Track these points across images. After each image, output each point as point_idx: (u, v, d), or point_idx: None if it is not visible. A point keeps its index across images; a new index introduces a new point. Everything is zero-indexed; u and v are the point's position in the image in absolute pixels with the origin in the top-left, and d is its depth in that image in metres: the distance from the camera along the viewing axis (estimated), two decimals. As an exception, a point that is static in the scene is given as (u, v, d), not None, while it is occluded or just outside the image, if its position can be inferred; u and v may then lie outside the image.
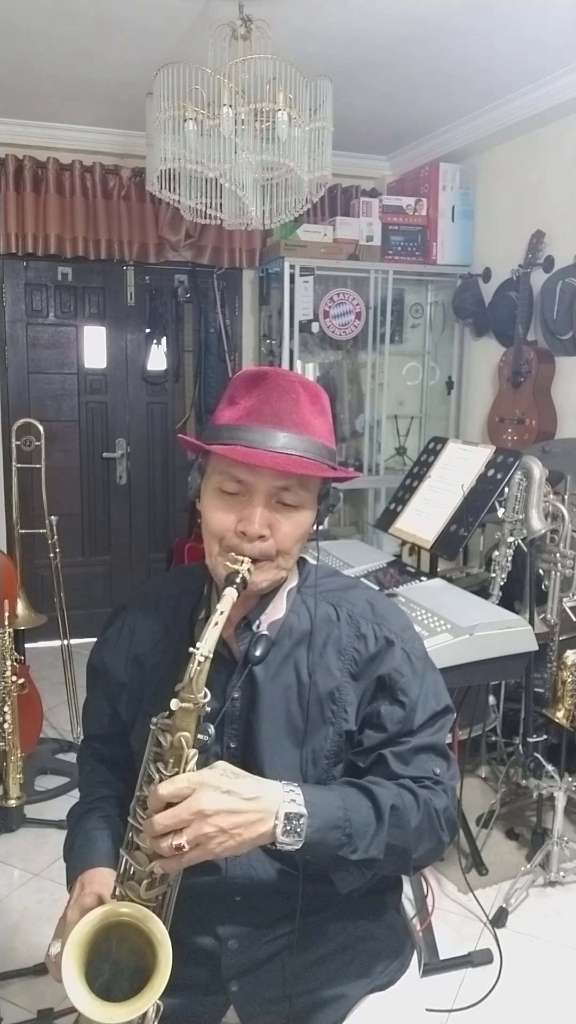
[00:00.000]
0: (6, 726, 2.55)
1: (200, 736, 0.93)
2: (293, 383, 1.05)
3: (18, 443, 3.22)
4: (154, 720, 0.93)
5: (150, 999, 0.85)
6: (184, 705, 0.90)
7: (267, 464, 0.99)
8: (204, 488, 1.08)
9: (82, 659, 1.31)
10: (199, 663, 0.90)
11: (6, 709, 2.55)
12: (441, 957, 2.06)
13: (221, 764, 0.95)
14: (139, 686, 1.14)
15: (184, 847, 0.87)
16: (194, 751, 0.92)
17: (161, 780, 0.91)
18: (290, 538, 1.05)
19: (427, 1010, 1.83)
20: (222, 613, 0.94)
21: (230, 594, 0.97)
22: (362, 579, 2.39)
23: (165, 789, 0.89)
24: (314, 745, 1.08)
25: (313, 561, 1.19)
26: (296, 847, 0.93)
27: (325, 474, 1.05)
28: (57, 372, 4.26)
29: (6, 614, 2.56)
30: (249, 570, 1.00)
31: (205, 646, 0.91)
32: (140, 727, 1.12)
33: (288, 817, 0.93)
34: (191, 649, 0.91)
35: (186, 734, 0.91)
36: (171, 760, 0.92)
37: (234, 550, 1.02)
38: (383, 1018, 1.12)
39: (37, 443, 3.23)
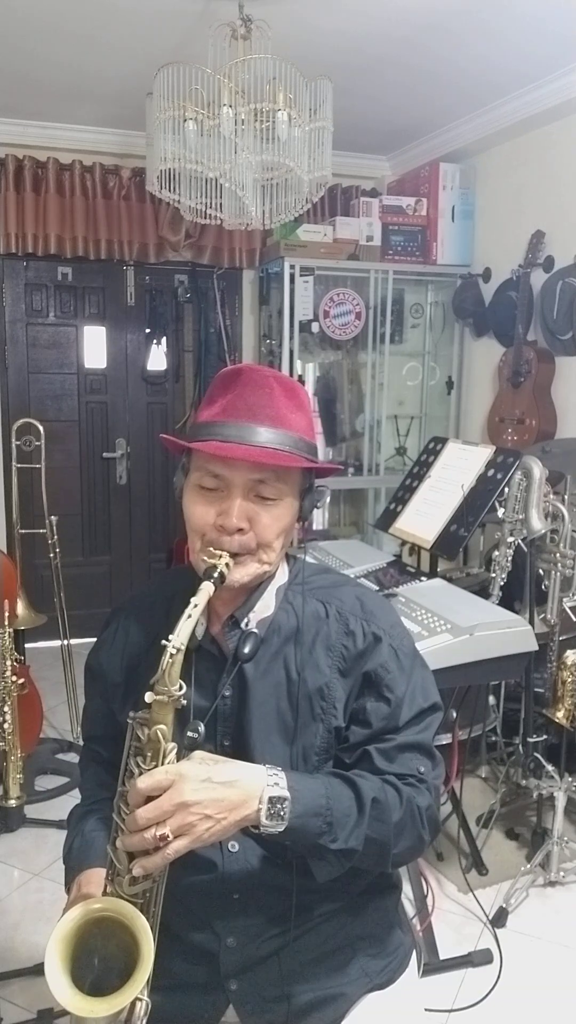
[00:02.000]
0: (6, 726, 2.55)
1: (190, 734, 0.94)
2: (267, 378, 1.07)
3: (18, 443, 3.22)
4: (132, 714, 0.94)
5: (131, 993, 0.85)
6: (159, 698, 0.91)
7: (240, 456, 1.01)
8: (186, 487, 1.09)
9: (82, 659, 1.31)
10: (171, 655, 0.91)
11: (6, 709, 2.55)
12: (441, 957, 2.06)
13: (198, 753, 0.96)
14: (133, 687, 1.14)
15: (168, 836, 0.88)
16: (172, 744, 0.92)
17: (141, 774, 0.91)
18: (270, 531, 1.05)
19: (427, 1010, 1.84)
20: (196, 606, 0.94)
21: (206, 588, 0.97)
22: (362, 579, 2.39)
23: (144, 782, 0.90)
24: (304, 741, 1.08)
25: (303, 558, 1.19)
26: (278, 831, 0.94)
27: (300, 464, 1.06)
28: (57, 372, 4.26)
29: (6, 614, 2.56)
30: (228, 564, 1.01)
31: (177, 638, 0.91)
32: None
33: (272, 800, 0.93)
34: (163, 641, 0.92)
35: (163, 727, 0.92)
36: (149, 754, 0.92)
37: (214, 545, 1.03)
38: (383, 1018, 1.12)
39: (37, 443, 3.23)
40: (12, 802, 2.59)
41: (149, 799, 0.90)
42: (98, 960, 0.91)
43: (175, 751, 0.93)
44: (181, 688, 0.91)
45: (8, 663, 2.55)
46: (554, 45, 2.89)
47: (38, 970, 1.98)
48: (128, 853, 0.92)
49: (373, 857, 1.03)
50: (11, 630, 2.59)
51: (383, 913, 1.18)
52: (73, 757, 3.06)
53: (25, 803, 2.65)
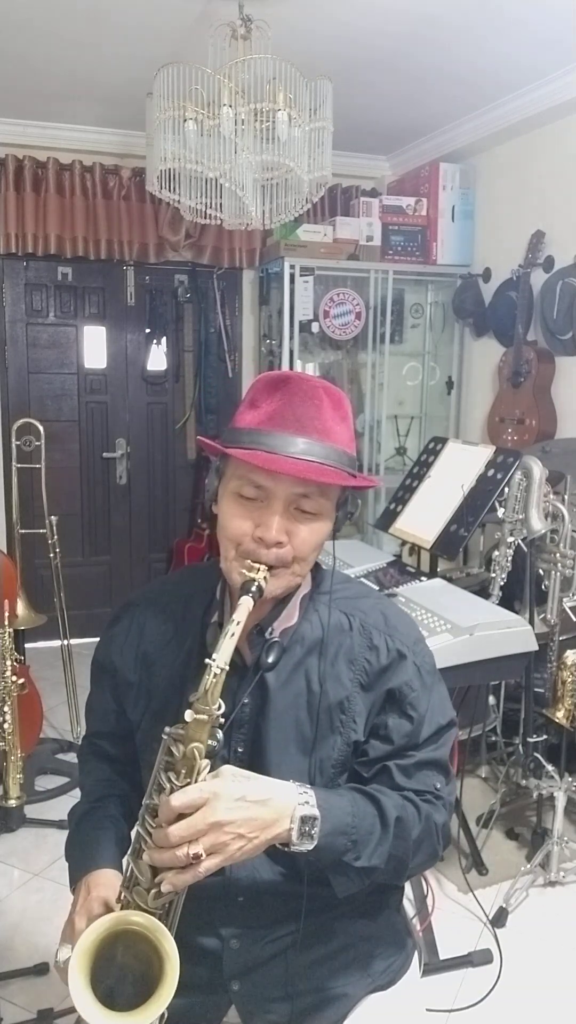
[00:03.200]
0: (6, 726, 2.55)
1: (210, 742, 0.92)
2: (316, 388, 1.04)
3: (18, 443, 3.22)
4: (167, 730, 0.92)
5: (156, 1010, 0.85)
6: (199, 717, 0.89)
7: (287, 471, 0.97)
8: (222, 492, 1.06)
9: (82, 659, 1.31)
10: (215, 675, 0.89)
11: (6, 709, 2.55)
12: (441, 957, 2.06)
13: (228, 769, 0.94)
14: (147, 685, 1.14)
15: (202, 855, 0.87)
16: (206, 762, 0.91)
17: (172, 790, 0.89)
18: (308, 545, 1.03)
19: (427, 1010, 1.83)
20: (238, 623, 0.92)
21: (246, 603, 0.95)
22: (362, 579, 2.39)
23: (178, 800, 0.88)
24: (322, 754, 1.07)
25: (326, 567, 1.18)
26: (307, 848, 0.94)
27: (346, 482, 1.03)
28: (57, 372, 4.26)
29: (6, 614, 2.56)
30: (265, 578, 0.99)
31: (221, 657, 0.90)
32: (146, 726, 1.12)
33: (304, 819, 0.93)
34: (207, 660, 0.90)
35: (199, 745, 0.90)
36: (183, 770, 0.90)
37: (250, 556, 1.01)
38: (383, 1018, 1.12)
39: (37, 443, 3.23)
40: (12, 802, 2.59)
41: (180, 816, 0.88)
42: (116, 970, 0.90)
43: (208, 768, 0.92)
44: (220, 707, 0.90)
45: (8, 663, 2.55)
46: (554, 45, 2.89)
47: (38, 970, 1.99)
48: (152, 866, 0.91)
49: (391, 873, 1.04)
50: (11, 630, 2.58)
51: (387, 914, 1.18)
52: (73, 757, 3.05)
53: (25, 803, 2.65)
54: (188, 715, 0.89)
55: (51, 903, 2.27)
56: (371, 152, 4.31)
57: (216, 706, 0.89)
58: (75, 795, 1.27)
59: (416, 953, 1.23)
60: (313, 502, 1.02)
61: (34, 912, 2.26)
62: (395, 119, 3.76)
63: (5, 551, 3.17)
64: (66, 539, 3.41)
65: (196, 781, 0.90)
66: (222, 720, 0.91)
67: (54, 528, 3.16)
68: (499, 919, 2.21)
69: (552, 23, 2.71)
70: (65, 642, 3.23)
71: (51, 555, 3.18)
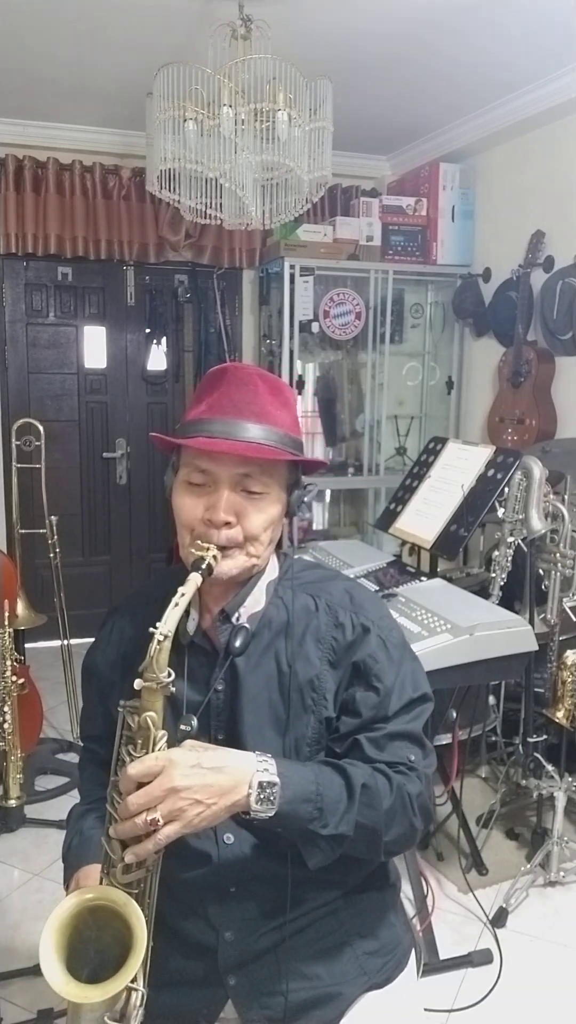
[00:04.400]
0: (6, 726, 2.55)
1: (183, 727, 0.96)
2: (251, 375, 1.10)
3: (18, 443, 3.22)
4: (122, 703, 0.96)
5: (125, 978, 0.86)
6: (147, 684, 0.93)
7: (225, 449, 1.02)
8: (175, 483, 1.11)
9: (82, 659, 1.32)
10: (158, 642, 0.93)
11: (6, 709, 2.55)
12: (441, 957, 2.06)
13: (188, 741, 0.97)
14: (128, 684, 1.15)
15: (159, 820, 0.89)
16: (163, 732, 0.94)
17: (132, 762, 0.92)
18: (256, 524, 1.06)
19: (427, 1010, 1.84)
20: (183, 595, 0.96)
21: (194, 578, 0.99)
22: (362, 579, 2.39)
23: (134, 769, 0.91)
24: (296, 733, 1.09)
25: (296, 556, 1.21)
26: (268, 815, 0.95)
27: (284, 457, 1.07)
28: (57, 372, 4.26)
29: (6, 614, 2.56)
30: (215, 556, 1.03)
31: (164, 625, 0.93)
32: None
33: (262, 785, 0.95)
34: (151, 629, 0.93)
35: (152, 714, 0.93)
36: (140, 741, 0.94)
37: (203, 538, 1.05)
38: (382, 1017, 1.13)
39: (37, 443, 3.23)
40: (12, 802, 2.59)
41: (141, 786, 0.91)
42: (94, 952, 0.92)
43: (165, 738, 0.94)
44: (170, 675, 0.93)
45: (8, 663, 2.55)
46: (554, 45, 2.89)
47: (38, 970, 1.97)
48: (121, 842, 0.93)
49: (364, 844, 1.04)
50: (11, 630, 2.59)
51: (381, 909, 1.18)
52: (73, 757, 3.05)
53: (25, 803, 2.65)
54: (137, 684, 0.93)
55: (51, 903, 2.27)
56: (371, 152, 4.31)
57: (164, 673, 0.93)
58: (75, 795, 1.28)
59: (416, 953, 1.24)
60: (257, 481, 1.06)
61: (34, 912, 2.26)
62: (395, 119, 3.76)
63: (5, 551, 3.17)
64: (66, 539, 3.41)
65: (153, 751, 0.93)
66: (172, 689, 0.94)
67: (54, 528, 3.16)
68: (499, 919, 2.21)
69: (552, 24, 2.71)
70: (65, 642, 3.23)
71: (51, 555, 3.18)
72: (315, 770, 1.02)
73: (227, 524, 1.05)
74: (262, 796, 0.94)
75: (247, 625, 1.11)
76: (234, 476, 1.05)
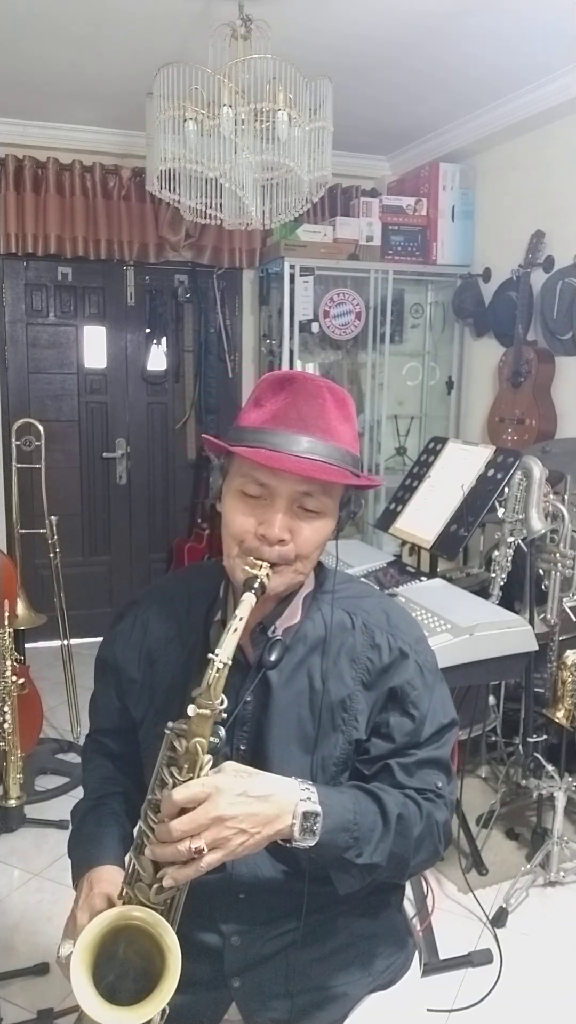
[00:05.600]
0: (6, 726, 2.55)
1: (212, 739, 0.93)
2: (320, 388, 1.04)
3: (18, 443, 3.22)
4: (170, 725, 0.93)
5: (158, 1005, 0.85)
6: (201, 712, 0.90)
7: (291, 468, 0.98)
8: (226, 490, 1.07)
9: (82, 659, 1.31)
10: (218, 670, 0.89)
11: (6, 709, 2.55)
12: (441, 957, 2.06)
13: (231, 765, 0.95)
14: (150, 683, 1.14)
15: (204, 849, 0.87)
16: (209, 757, 0.91)
17: (175, 785, 0.90)
18: (310, 544, 1.04)
19: (427, 1010, 1.83)
20: (241, 619, 0.93)
21: (248, 600, 0.96)
22: (362, 579, 2.39)
23: (180, 794, 0.88)
24: (324, 752, 1.08)
25: (330, 566, 1.18)
26: (309, 845, 0.94)
27: (349, 481, 1.04)
28: (57, 372, 4.26)
29: (6, 614, 2.56)
30: (268, 575, 1.00)
31: (224, 652, 0.90)
32: (149, 724, 1.12)
33: (306, 815, 0.93)
34: (210, 655, 0.90)
35: (202, 740, 0.90)
36: (185, 765, 0.91)
37: (253, 553, 1.01)
38: (384, 1017, 1.12)
39: (37, 443, 3.23)
40: (12, 802, 2.59)
41: (183, 811, 0.89)
42: (117, 965, 0.91)
43: (211, 763, 0.92)
44: (223, 703, 0.90)
45: (8, 663, 2.55)
46: (554, 45, 2.88)
47: (38, 970, 1.99)
48: (154, 861, 0.91)
49: (392, 870, 1.04)
50: (11, 630, 2.59)
51: (388, 914, 1.18)
52: (73, 757, 3.06)
53: (25, 803, 2.64)
54: (191, 710, 0.90)
55: (51, 903, 2.28)
56: (371, 152, 4.31)
57: (219, 701, 0.90)
58: (75, 795, 1.27)
59: (416, 953, 1.23)
60: (316, 500, 1.03)
61: (34, 912, 2.25)
62: (395, 119, 3.76)
63: (5, 551, 3.17)
64: (66, 539, 3.41)
65: (198, 776, 0.90)
66: (224, 716, 0.91)
67: (54, 528, 3.16)
68: (499, 919, 2.21)
69: (552, 23, 2.71)
70: (65, 642, 3.23)
71: (51, 555, 3.18)
72: (353, 797, 1.00)
73: (281, 542, 1.01)
74: (305, 827, 0.93)
75: (282, 639, 1.09)
76: (294, 493, 1.01)
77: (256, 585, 0.98)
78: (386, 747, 1.08)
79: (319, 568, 1.17)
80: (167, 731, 0.93)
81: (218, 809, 0.88)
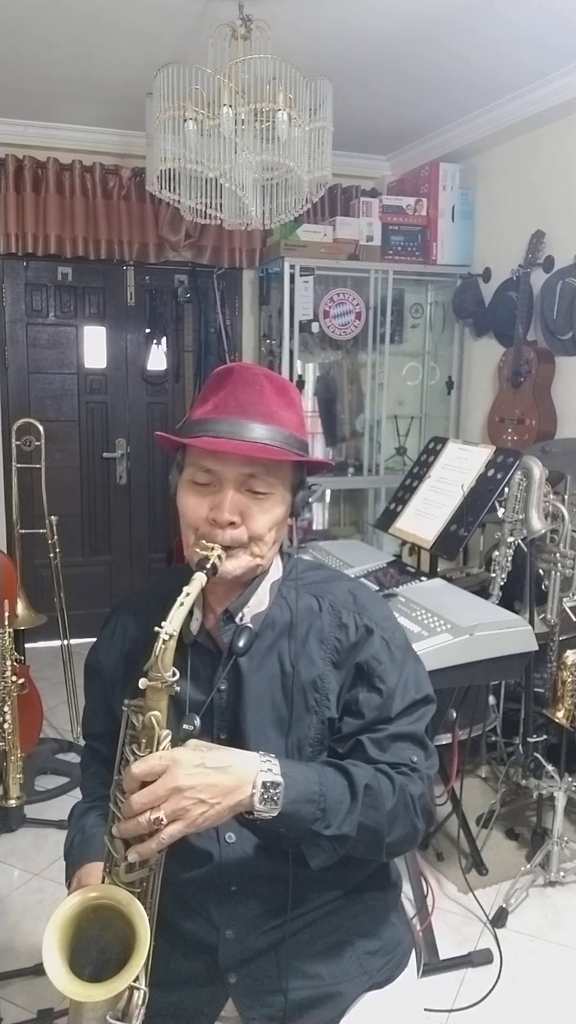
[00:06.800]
0: (6, 726, 2.55)
1: (186, 727, 0.96)
2: (257, 376, 1.10)
3: (18, 443, 3.22)
4: (126, 702, 0.96)
5: (127, 978, 0.86)
6: (152, 684, 0.93)
7: (230, 450, 1.03)
8: (180, 483, 1.11)
9: (82, 659, 1.32)
10: (164, 641, 0.93)
11: (6, 709, 2.55)
12: (441, 957, 2.06)
13: (192, 741, 0.97)
14: (132, 685, 1.15)
15: (163, 819, 0.89)
16: (167, 731, 0.94)
17: (136, 761, 0.93)
18: (261, 524, 1.07)
19: (427, 1010, 1.84)
20: (187, 594, 0.97)
21: (199, 578, 0.99)
22: (362, 579, 2.39)
23: (138, 768, 0.91)
24: (299, 733, 1.09)
25: (297, 556, 1.21)
26: (271, 815, 0.95)
27: (289, 458, 1.08)
28: (57, 372, 4.26)
29: (6, 614, 2.56)
30: (220, 556, 1.03)
31: (170, 625, 0.93)
32: None
33: (265, 785, 0.95)
34: (156, 628, 0.93)
35: (157, 713, 0.93)
36: (144, 740, 0.94)
37: (207, 538, 1.05)
38: (382, 1017, 1.13)
39: (37, 443, 3.23)
40: (12, 802, 2.59)
41: (144, 785, 0.91)
42: (96, 951, 0.92)
43: (169, 738, 0.94)
44: (174, 674, 0.93)
45: (8, 663, 2.55)
46: (554, 45, 2.88)
47: (38, 970, 1.98)
48: (124, 841, 0.93)
49: (367, 844, 1.04)
50: (11, 630, 2.59)
51: (382, 909, 1.18)
52: (73, 757, 3.06)
53: (25, 803, 2.65)
54: (142, 683, 0.94)
55: (51, 903, 2.27)
56: (371, 152, 4.31)
57: (169, 672, 0.93)
58: (75, 795, 1.28)
59: (416, 953, 1.23)
60: (262, 481, 1.06)
61: (34, 912, 2.26)
62: (395, 119, 3.76)
63: (5, 551, 3.17)
64: (66, 539, 3.41)
65: (157, 750, 0.93)
66: (177, 688, 0.94)
67: (54, 528, 3.16)
68: (499, 919, 2.21)
69: (552, 23, 2.71)
70: (65, 642, 3.23)
71: (51, 555, 3.18)
72: (318, 770, 1.02)
73: (232, 524, 1.05)
74: (266, 796, 0.95)
75: (250, 625, 1.11)
76: (239, 476, 1.05)
77: (208, 566, 1.01)
78: (357, 723, 1.10)
79: (286, 558, 1.20)
80: (124, 708, 0.96)
81: (176, 780, 0.91)
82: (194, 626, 1.11)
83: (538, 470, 2.31)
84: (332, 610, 1.13)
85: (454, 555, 2.59)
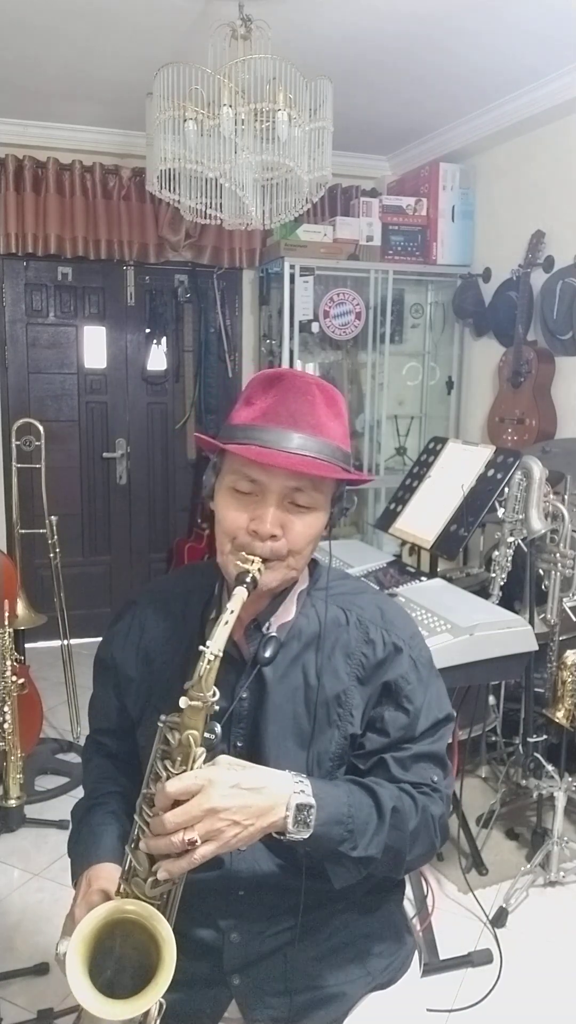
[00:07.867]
0: (6, 726, 2.55)
1: (207, 735, 0.93)
2: (310, 385, 1.06)
3: (18, 443, 3.23)
4: (163, 718, 0.94)
5: (153, 996, 0.85)
6: (193, 703, 0.90)
7: (280, 464, 0.99)
8: (218, 487, 1.08)
9: (82, 659, 1.32)
10: (208, 661, 0.90)
11: (6, 709, 2.55)
12: (441, 957, 2.06)
13: (224, 758, 0.95)
14: (148, 682, 1.15)
15: (197, 841, 0.88)
16: (202, 750, 0.92)
17: (168, 778, 0.91)
18: (302, 539, 1.05)
19: (427, 1010, 1.83)
20: (232, 612, 0.94)
21: (240, 594, 0.97)
22: (362, 579, 2.39)
23: (173, 787, 0.89)
24: (319, 747, 1.08)
25: (324, 563, 1.19)
26: (303, 838, 0.94)
27: (338, 475, 1.05)
28: (57, 372, 4.26)
29: (6, 614, 2.56)
30: (260, 570, 1.00)
31: (215, 645, 0.91)
32: (147, 723, 1.12)
33: (299, 807, 0.94)
34: (201, 648, 0.91)
35: (194, 732, 0.91)
36: (179, 758, 0.92)
37: (245, 549, 1.02)
38: (384, 1017, 1.13)
39: (37, 443, 3.23)
40: (12, 802, 2.59)
41: (177, 803, 0.89)
42: (113, 960, 0.91)
43: (204, 756, 0.93)
44: (215, 694, 0.91)
45: (8, 663, 2.55)
46: (554, 45, 2.88)
47: (38, 970, 1.99)
48: (149, 855, 0.91)
49: (388, 864, 1.04)
50: (11, 630, 2.59)
51: (387, 912, 1.18)
52: (73, 757, 3.06)
53: (25, 803, 2.64)
54: (183, 702, 0.91)
55: (51, 903, 2.27)
56: (371, 152, 4.30)
57: (211, 693, 0.90)
58: (75, 795, 1.28)
59: (416, 953, 1.24)
60: (307, 496, 1.04)
61: (34, 912, 2.25)
62: (395, 119, 3.76)
63: (5, 551, 3.17)
64: (66, 539, 3.41)
65: (192, 769, 0.91)
66: (217, 708, 0.92)
67: (54, 528, 3.16)
68: (499, 919, 2.21)
69: (552, 23, 2.71)
70: (65, 642, 3.23)
71: (51, 555, 3.18)
72: (347, 791, 1.01)
73: (273, 537, 1.02)
74: (299, 818, 0.94)
75: (277, 635, 1.09)
76: (284, 489, 1.02)
77: (248, 580, 0.99)
78: (381, 741, 1.09)
79: (314, 565, 1.18)
80: (160, 724, 0.94)
81: (211, 801, 0.89)
82: None
83: (538, 470, 2.31)
84: (360, 624, 1.12)
85: (454, 555, 2.59)
